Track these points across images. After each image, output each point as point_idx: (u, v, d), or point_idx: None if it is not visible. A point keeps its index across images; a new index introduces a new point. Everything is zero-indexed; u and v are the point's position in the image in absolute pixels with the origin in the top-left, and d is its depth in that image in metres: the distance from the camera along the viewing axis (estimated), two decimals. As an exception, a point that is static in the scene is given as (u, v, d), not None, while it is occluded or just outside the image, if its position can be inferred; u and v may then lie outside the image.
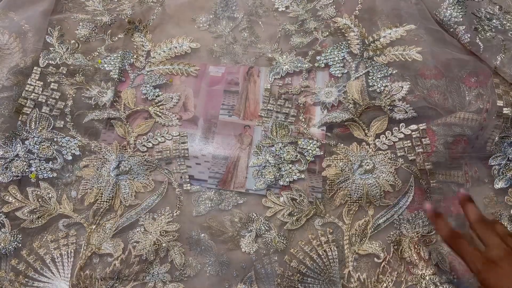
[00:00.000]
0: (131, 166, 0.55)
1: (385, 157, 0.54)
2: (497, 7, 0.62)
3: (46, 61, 0.60)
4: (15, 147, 0.55)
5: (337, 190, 0.54)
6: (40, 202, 0.53)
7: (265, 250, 0.51)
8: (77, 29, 0.64)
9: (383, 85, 0.57)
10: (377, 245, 0.51)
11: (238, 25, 0.66)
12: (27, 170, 0.54)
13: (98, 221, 0.53)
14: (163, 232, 0.52)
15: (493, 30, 0.60)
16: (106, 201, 0.53)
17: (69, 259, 0.51)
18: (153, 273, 0.51)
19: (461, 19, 0.60)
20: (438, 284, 0.49)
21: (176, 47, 0.63)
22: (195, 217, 0.54)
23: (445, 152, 0.53)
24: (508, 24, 0.60)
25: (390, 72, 0.58)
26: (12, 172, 0.53)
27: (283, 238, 0.52)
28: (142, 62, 0.62)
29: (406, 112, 0.55)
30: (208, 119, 0.59)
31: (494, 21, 0.60)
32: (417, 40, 0.59)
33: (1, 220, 0.52)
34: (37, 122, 0.56)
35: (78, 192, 0.54)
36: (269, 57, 0.63)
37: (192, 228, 0.53)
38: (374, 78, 0.58)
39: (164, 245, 0.52)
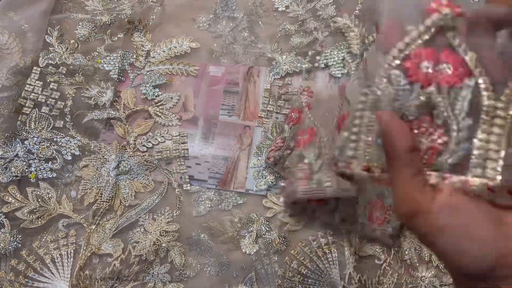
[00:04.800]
0: (131, 166, 0.55)
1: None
2: None
3: (46, 61, 0.60)
4: (14, 147, 0.54)
5: None
6: (40, 202, 0.53)
7: (266, 251, 0.51)
8: (77, 29, 0.64)
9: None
10: (378, 246, 0.51)
11: (238, 25, 0.66)
12: (26, 170, 0.54)
13: (98, 221, 0.53)
14: (163, 232, 0.52)
15: None
16: (106, 201, 0.53)
17: (68, 259, 0.51)
18: (153, 273, 0.51)
19: None
20: (438, 286, 0.49)
21: (176, 47, 0.63)
22: (195, 217, 0.53)
23: None
24: None
25: None
26: (11, 172, 0.53)
27: (283, 239, 0.52)
28: (142, 62, 0.62)
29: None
30: (208, 119, 0.59)
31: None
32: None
33: (1, 220, 0.51)
34: (37, 122, 0.56)
35: (77, 192, 0.54)
36: (269, 57, 0.63)
37: (192, 229, 0.53)
38: (374, 78, 0.58)
39: (164, 245, 0.52)
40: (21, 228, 0.52)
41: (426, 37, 0.30)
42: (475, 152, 0.28)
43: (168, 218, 0.53)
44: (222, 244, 0.52)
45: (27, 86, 0.58)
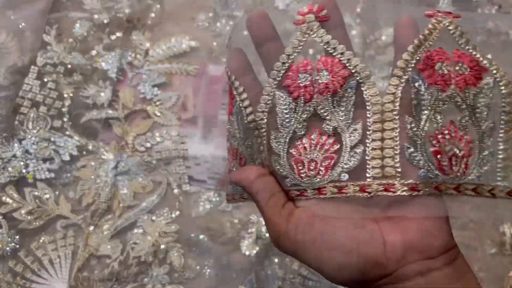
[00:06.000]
0: (129, 167, 0.55)
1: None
2: (495, 7, 0.61)
3: (44, 60, 0.60)
4: (12, 147, 0.54)
5: None
6: (38, 203, 0.52)
7: (266, 252, 0.51)
8: (75, 28, 0.63)
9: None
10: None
11: (238, 23, 0.65)
12: (24, 171, 0.53)
13: (96, 222, 0.52)
14: (162, 233, 0.52)
15: (486, 33, 0.58)
16: (104, 202, 0.53)
17: (67, 260, 0.51)
18: (152, 274, 0.50)
19: None
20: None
21: (175, 46, 0.63)
22: (194, 218, 0.53)
23: None
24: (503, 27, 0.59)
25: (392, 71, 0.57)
26: (9, 173, 0.53)
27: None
28: (141, 61, 0.62)
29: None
30: (208, 119, 0.58)
31: (489, 22, 0.59)
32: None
33: (-1, 221, 0.51)
34: (35, 122, 0.56)
35: (76, 193, 0.54)
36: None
37: (192, 230, 0.52)
38: (376, 77, 0.58)
39: (163, 246, 0.51)
40: (19, 229, 0.51)
41: (298, 50, 0.29)
42: (372, 153, 0.27)
43: (167, 219, 0.53)
44: (221, 245, 0.52)
45: (25, 85, 0.58)
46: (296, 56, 0.29)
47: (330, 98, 0.27)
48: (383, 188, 0.26)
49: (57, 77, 0.59)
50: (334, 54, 0.28)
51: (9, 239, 0.51)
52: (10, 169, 0.53)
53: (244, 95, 0.31)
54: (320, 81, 0.28)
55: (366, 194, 0.26)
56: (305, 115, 0.28)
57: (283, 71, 0.29)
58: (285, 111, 0.28)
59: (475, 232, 0.52)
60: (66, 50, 0.61)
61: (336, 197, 0.27)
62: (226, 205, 0.53)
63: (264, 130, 0.29)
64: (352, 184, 0.26)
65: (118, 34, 0.63)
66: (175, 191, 0.54)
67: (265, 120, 0.29)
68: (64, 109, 0.57)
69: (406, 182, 0.26)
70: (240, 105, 0.31)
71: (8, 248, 0.50)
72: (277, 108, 0.28)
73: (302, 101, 0.28)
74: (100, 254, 0.51)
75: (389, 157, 0.26)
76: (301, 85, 0.28)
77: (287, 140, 0.28)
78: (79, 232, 0.52)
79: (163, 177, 0.55)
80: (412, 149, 0.26)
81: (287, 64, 0.29)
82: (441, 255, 0.25)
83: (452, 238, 0.27)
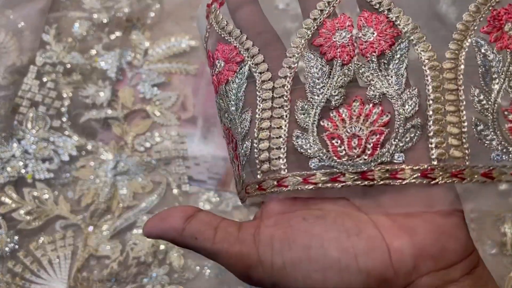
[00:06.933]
0: (129, 167, 0.55)
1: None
2: None
3: (43, 60, 0.60)
4: (11, 147, 0.54)
5: None
6: (37, 203, 0.52)
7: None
8: (74, 27, 0.63)
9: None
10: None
11: (238, 23, 0.65)
12: (23, 171, 0.53)
13: (95, 223, 0.52)
14: (161, 234, 0.52)
15: None
16: (104, 202, 0.53)
17: (66, 260, 0.51)
18: (151, 275, 0.50)
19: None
20: None
21: (174, 45, 0.63)
22: (194, 218, 0.53)
23: None
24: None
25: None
26: (8, 173, 0.53)
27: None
28: (140, 61, 0.62)
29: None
30: (207, 118, 0.58)
31: None
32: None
33: (-2, 221, 0.51)
34: (34, 122, 0.56)
35: (75, 193, 0.54)
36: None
37: (191, 230, 0.52)
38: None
39: (162, 247, 0.51)
40: (18, 229, 0.51)
41: (334, 5, 0.25)
42: (433, 128, 0.22)
43: (166, 219, 0.53)
44: (221, 245, 0.52)
45: (24, 85, 0.57)
46: (331, 12, 0.25)
47: (375, 60, 0.23)
48: (449, 174, 0.20)
49: (56, 77, 0.59)
50: (380, 10, 0.24)
51: (8, 239, 0.51)
52: (9, 169, 0.53)
53: (260, 57, 0.26)
54: (363, 40, 0.23)
55: (429, 180, 0.20)
56: (342, 80, 0.23)
57: (314, 29, 0.25)
58: (316, 75, 0.23)
59: (475, 233, 0.51)
60: (65, 50, 0.61)
61: (389, 183, 0.21)
62: (226, 205, 0.53)
63: (285, 99, 0.24)
64: (411, 168, 0.21)
65: (118, 33, 0.63)
66: (175, 191, 0.54)
67: (289, 86, 0.24)
68: (63, 109, 0.57)
69: (477, 168, 0.21)
70: (254, 69, 0.25)
71: (7, 249, 0.50)
72: (306, 73, 0.24)
73: (339, 63, 0.23)
74: (100, 255, 0.51)
75: (454, 136, 0.21)
76: (337, 44, 0.23)
77: (318, 110, 0.23)
78: (78, 233, 0.52)
79: (162, 177, 0.55)
80: (481, 126, 0.21)
81: (319, 20, 0.25)
82: (460, 262, 0.21)
83: (471, 240, 0.22)
